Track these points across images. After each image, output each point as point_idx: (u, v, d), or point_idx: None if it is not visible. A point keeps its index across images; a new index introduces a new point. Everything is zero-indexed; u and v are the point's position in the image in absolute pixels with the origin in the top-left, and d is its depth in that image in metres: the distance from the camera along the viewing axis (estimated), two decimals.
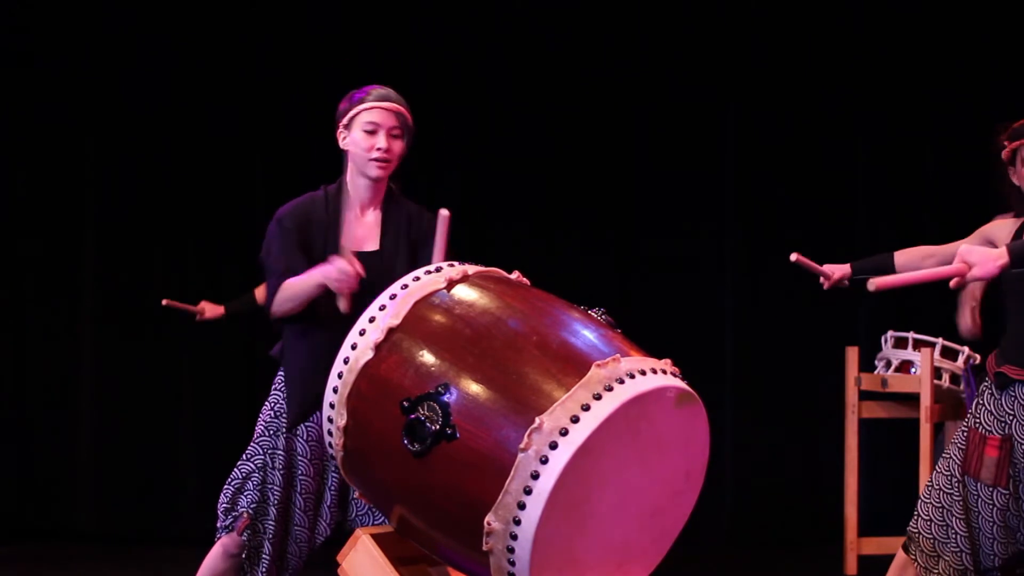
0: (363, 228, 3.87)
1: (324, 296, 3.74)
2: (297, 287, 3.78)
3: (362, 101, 3.84)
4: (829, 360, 6.43)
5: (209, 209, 7.02)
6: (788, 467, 7.19)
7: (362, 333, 3.12)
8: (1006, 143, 4.12)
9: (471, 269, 3.24)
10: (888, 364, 5.95)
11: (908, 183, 7.20)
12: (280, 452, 3.88)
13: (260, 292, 6.12)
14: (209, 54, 6.98)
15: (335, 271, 3.68)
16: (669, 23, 7.16)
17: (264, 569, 3.85)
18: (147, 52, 6.98)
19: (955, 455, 4.12)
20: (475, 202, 7.08)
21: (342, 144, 3.88)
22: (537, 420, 2.84)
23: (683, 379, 3.06)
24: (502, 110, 7.09)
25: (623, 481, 2.96)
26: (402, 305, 3.11)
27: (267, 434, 3.91)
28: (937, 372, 5.75)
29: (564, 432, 2.83)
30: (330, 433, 3.18)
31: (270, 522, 3.87)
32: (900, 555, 4.23)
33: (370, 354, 3.08)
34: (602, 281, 7.03)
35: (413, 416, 2.96)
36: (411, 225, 3.86)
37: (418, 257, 3.79)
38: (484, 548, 2.89)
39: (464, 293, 3.14)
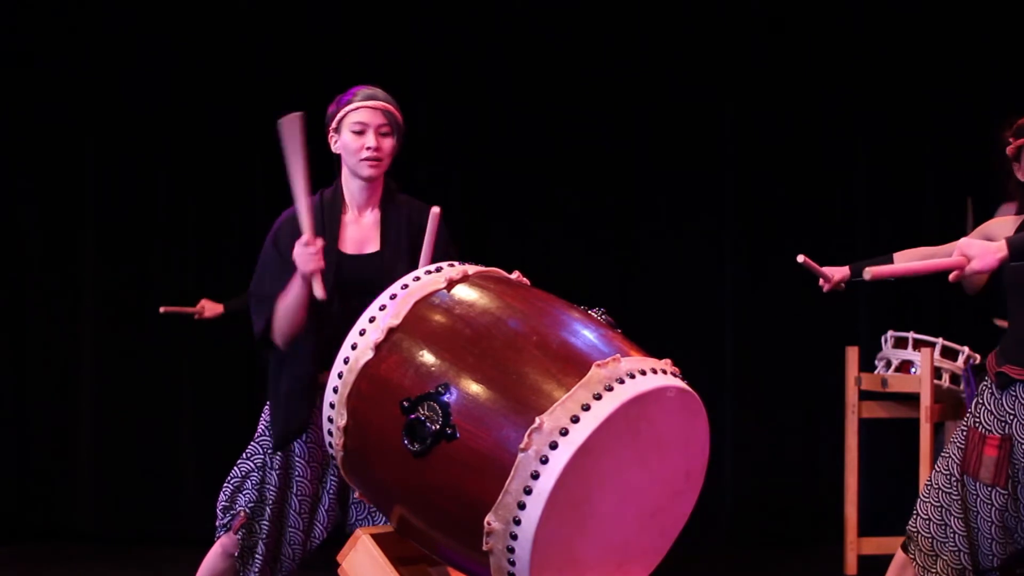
0: (362, 230, 3.87)
1: (308, 317, 3.70)
2: (285, 302, 3.72)
3: (349, 102, 3.84)
4: (829, 360, 6.44)
5: (209, 209, 7.03)
6: (788, 467, 7.19)
7: (362, 333, 3.12)
8: (1011, 139, 4.11)
9: (471, 269, 3.24)
10: (888, 364, 5.95)
11: (908, 183, 7.21)
12: (278, 453, 3.88)
13: None
14: (209, 54, 6.99)
15: (298, 254, 3.63)
16: (669, 23, 7.16)
17: (257, 569, 3.85)
18: (147, 52, 6.98)
19: (954, 454, 4.12)
20: (475, 202, 7.08)
21: (333, 148, 3.88)
22: (537, 420, 2.84)
23: (683, 379, 3.06)
24: (502, 110, 7.09)
25: (623, 481, 2.96)
26: (402, 305, 3.11)
27: (267, 434, 3.91)
28: (937, 372, 5.76)
29: (564, 432, 2.83)
30: (330, 433, 3.18)
31: (264, 522, 3.87)
32: (899, 555, 4.23)
33: (370, 354, 3.08)
34: (602, 281, 7.03)
35: (413, 416, 2.96)
36: (411, 223, 3.85)
37: (420, 255, 3.78)
38: (484, 548, 2.89)
39: (464, 293, 3.14)
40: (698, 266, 7.21)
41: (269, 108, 6.91)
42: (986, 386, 4.10)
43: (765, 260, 7.04)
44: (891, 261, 4.28)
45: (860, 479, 6.11)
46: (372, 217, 3.88)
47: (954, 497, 4.09)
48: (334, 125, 3.85)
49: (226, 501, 3.90)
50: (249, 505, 3.87)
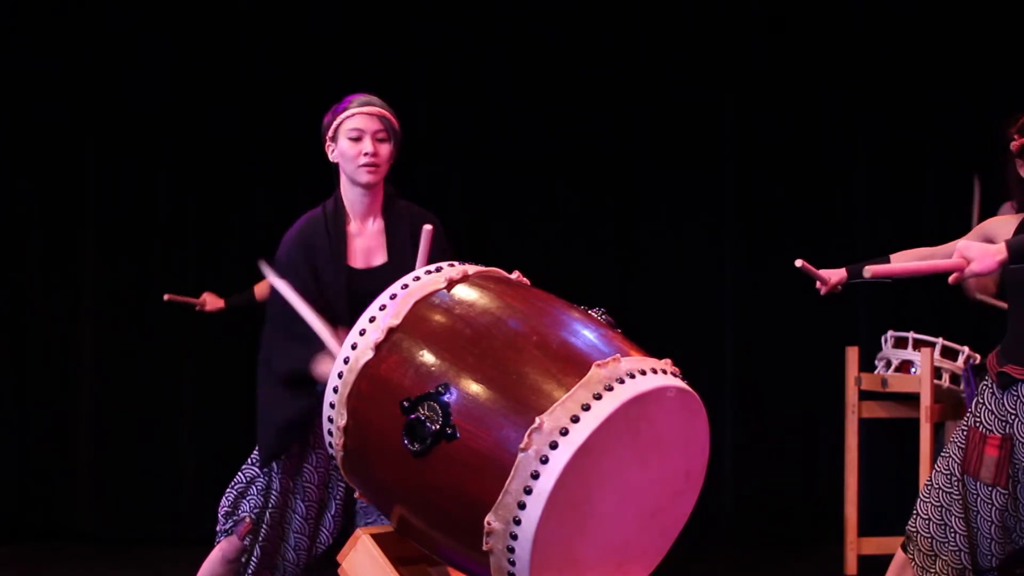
0: (367, 241, 3.85)
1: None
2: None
3: (345, 110, 3.82)
4: (829, 360, 6.44)
5: (209, 209, 7.03)
6: (788, 467, 7.19)
7: (362, 333, 3.12)
8: (1016, 136, 4.09)
9: (471, 269, 3.24)
10: (888, 364, 5.95)
11: (908, 183, 7.21)
12: (284, 458, 3.87)
13: (260, 288, 6.13)
14: (209, 54, 6.99)
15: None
16: (669, 23, 7.16)
17: (251, 572, 3.84)
18: (147, 52, 6.98)
19: (954, 454, 4.12)
20: (475, 202, 7.08)
21: (331, 157, 3.86)
22: (537, 420, 2.84)
23: (683, 379, 3.06)
24: (502, 110, 7.09)
25: (623, 481, 2.96)
26: (402, 305, 3.11)
27: None
28: (937, 372, 5.76)
29: (564, 432, 2.83)
30: (330, 433, 3.18)
31: (264, 527, 3.86)
32: (899, 555, 4.23)
33: (370, 354, 3.08)
34: (602, 281, 7.03)
35: (413, 416, 2.96)
36: (414, 231, 3.83)
37: None
38: (484, 548, 2.89)
39: (464, 293, 3.14)
40: (698, 266, 7.21)
41: (269, 108, 7.00)
42: (986, 386, 4.10)
43: (765, 260, 7.04)
44: (887, 262, 4.27)
45: (860, 479, 6.11)
46: (376, 227, 3.86)
47: (955, 497, 4.09)
48: (330, 134, 3.84)
49: (228, 507, 3.89)
50: (254, 511, 3.86)
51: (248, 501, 3.87)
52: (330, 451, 3.23)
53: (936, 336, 5.83)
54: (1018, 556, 4.11)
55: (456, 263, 3.26)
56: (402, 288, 3.16)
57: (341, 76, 6.82)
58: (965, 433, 4.11)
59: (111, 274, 7.05)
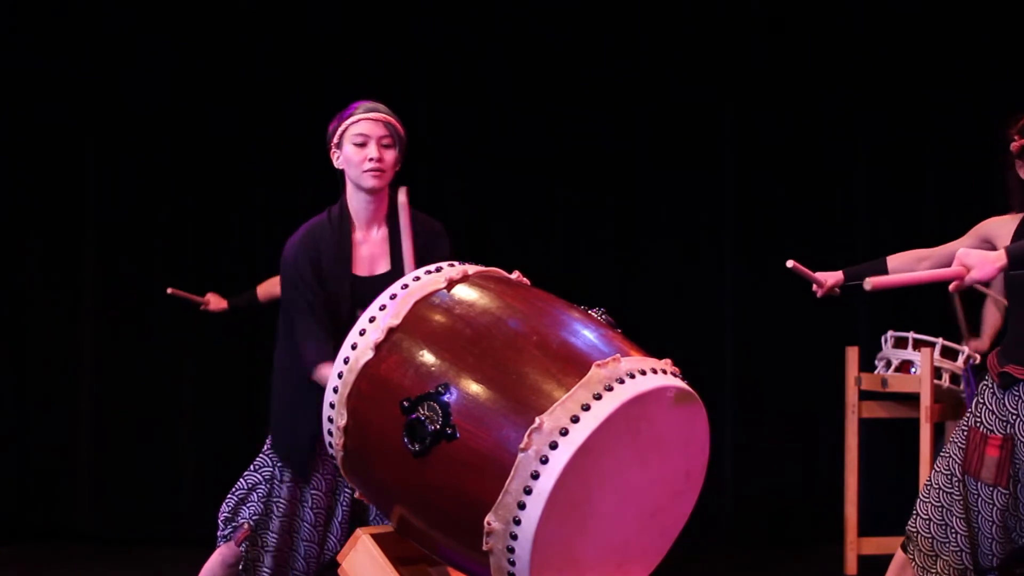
0: (372, 248, 3.84)
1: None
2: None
3: (350, 116, 3.82)
4: (829, 360, 6.44)
5: (209, 209, 7.03)
6: (788, 467, 7.19)
7: (362, 333, 3.12)
8: (1016, 137, 4.09)
9: (471, 269, 3.24)
10: (888, 364, 5.95)
11: (908, 183, 7.21)
12: (291, 464, 3.87)
13: (262, 289, 6.12)
14: (209, 54, 6.99)
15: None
16: (669, 23, 7.16)
17: None
18: (147, 52, 6.98)
19: (955, 454, 4.12)
20: (475, 202, 7.08)
21: (336, 164, 3.85)
22: (537, 420, 2.84)
23: (683, 379, 3.06)
24: (502, 110, 7.09)
25: (623, 481, 2.96)
26: (402, 305, 3.11)
27: None
28: (937, 372, 5.76)
29: (564, 432, 2.83)
30: (330, 433, 3.18)
31: (271, 535, 3.86)
32: (899, 555, 4.23)
33: (370, 354, 3.08)
34: (602, 281, 7.03)
35: (413, 416, 2.96)
36: (418, 237, 3.83)
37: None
38: (484, 548, 2.89)
39: (464, 293, 3.14)
40: (698, 266, 7.21)
41: (269, 108, 6.99)
42: (986, 386, 4.10)
43: (765, 260, 7.02)
44: (884, 265, 4.26)
45: (860, 479, 6.12)
46: (380, 235, 3.85)
47: (955, 497, 4.09)
48: (336, 140, 3.83)
49: (228, 512, 3.89)
50: (254, 518, 3.86)
51: (248, 508, 3.87)
52: (330, 451, 3.23)
53: (936, 336, 5.83)
54: (1018, 555, 4.11)
55: (456, 263, 3.26)
56: (402, 288, 3.16)
57: (341, 76, 6.83)
58: (965, 433, 4.11)
59: (111, 274, 7.04)
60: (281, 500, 3.85)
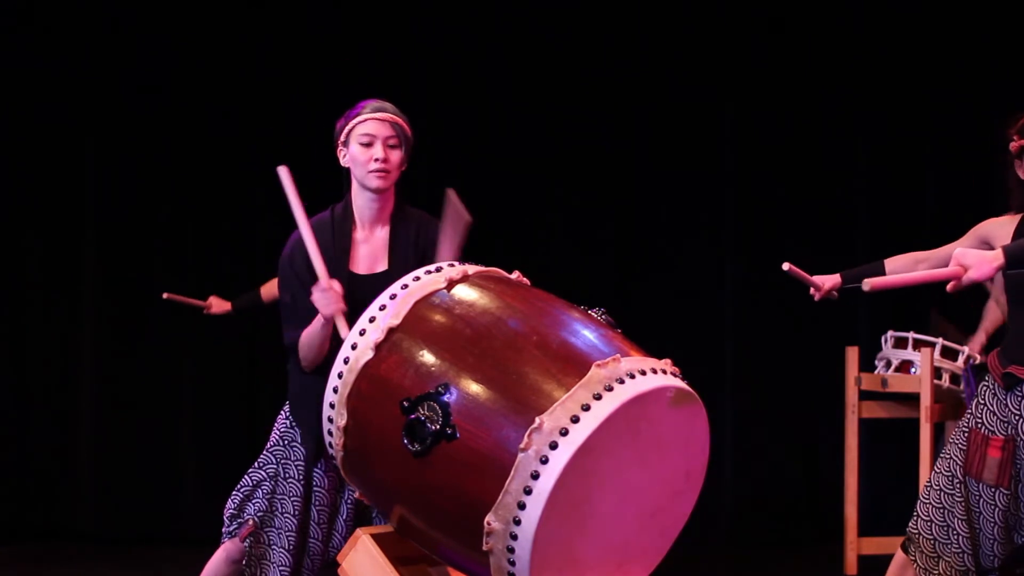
0: (372, 248, 3.84)
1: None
2: (308, 337, 3.73)
3: (358, 115, 3.82)
4: (829, 360, 6.44)
5: (209, 209, 7.03)
6: (788, 467, 7.19)
7: (362, 333, 3.12)
8: (1015, 137, 4.09)
9: (471, 269, 3.24)
10: (888, 364, 5.95)
11: (908, 183, 7.21)
12: (292, 463, 3.87)
13: (264, 290, 6.12)
14: (209, 54, 6.98)
15: (317, 299, 3.65)
16: (669, 23, 7.16)
17: None
18: (147, 52, 6.98)
19: (955, 455, 4.11)
20: (475, 202, 7.06)
21: (342, 162, 3.85)
22: (537, 420, 2.84)
23: (683, 379, 3.06)
24: (502, 110, 7.09)
25: (623, 481, 2.96)
26: (402, 305, 3.12)
27: (281, 444, 3.90)
28: (937, 372, 5.75)
29: (564, 432, 2.83)
30: (330, 433, 3.18)
31: (275, 532, 3.87)
32: (899, 555, 4.22)
33: (370, 354, 3.08)
34: (602, 281, 7.03)
35: (413, 416, 2.96)
36: (420, 238, 3.82)
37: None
38: (484, 548, 2.89)
39: (464, 293, 3.14)
40: (698, 266, 7.21)
41: (269, 108, 6.99)
42: (987, 386, 4.09)
43: (765, 260, 7.02)
44: (882, 268, 4.26)
45: (860, 479, 6.11)
46: (382, 234, 3.85)
47: (957, 498, 4.08)
48: (343, 138, 3.83)
49: (234, 509, 3.90)
50: (258, 514, 3.86)
51: (253, 504, 3.88)
52: (330, 451, 3.23)
53: (936, 336, 5.83)
54: (1018, 555, 4.11)
55: (456, 263, 3.26)
56: (402, 288, 3.17)
57: (341, 76, 6.82)
58: (966, 434, 4.10)
59: (111, 274, 7.04)
60: (292, 498, 3.86)
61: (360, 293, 3.66)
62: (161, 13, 6.99)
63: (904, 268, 4.21)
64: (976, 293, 5.88)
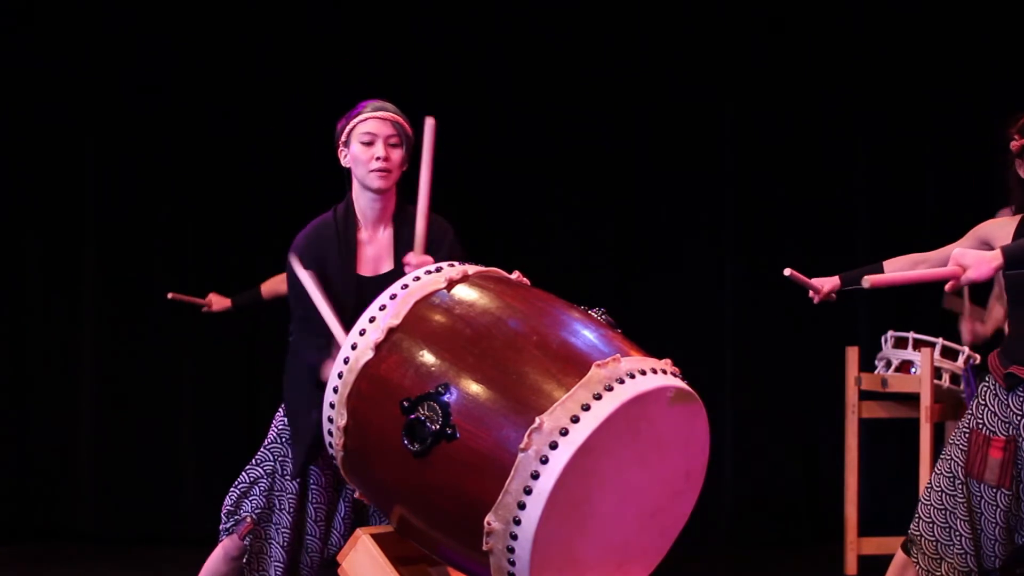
0: (376, 249, 3.84)
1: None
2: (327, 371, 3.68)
3: (359, 114, 3.82)
4: (829, 360, 6.44)
5: (209, 209, 7.02)
6: (788, 467, 7.19)
7: (362, 333, 3.12)
8: (1016, 136, 4.09)
9: (471, 269, 3.24)
10: (888, 364, 5.95)
11: (908, 183, 7.21)
12: (290, 461, 3.87)
13: (266, 286, 6.09)
14: (209, 54, 6.98)
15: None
16: (669, 23, 7.16)
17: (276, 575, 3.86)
18: (147, 52, 6.97)
19: (956, 456, 4.10)
20: (475, 202, 7.07)
21: (344, 162, 3.85)
22: (537, 420, 2.84)
23: (683, 379, 3.06)
24: (502, 110, 7.09)
25: (623, 481, 2.96)
26: (402, 305, 3.12)
27: (279, 441, 3.90)
28: (937, 372, 5.75)
29: (564, 432, 2.83)
30: (330, 433, 3.18)
31: (273, 528, 3.87)
32: (899, 555, 4.22)
33: (370, 354, 3.08)
34: (602, 281, 7.03)
35: (413, 416, 2.96)
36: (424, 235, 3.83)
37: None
38: (484, 548, 2.89)
39: (464, 293, 3.14)
40: (698, 266, 7.21)
41: (269, 108, 6.99)
42: (987, 386, 4.09)
43: (765, 260, 7.03)
44: (881, 269, 4.26)
45: (860, 479, 6.11)
46: (386, 235, 3.85)
47: (959, 499, 4.08)
48: (343, 138, 3.83)
49: (231, 506, 3.90)
50: (256, 511, 3.86)
51: (251, 501, 3.88)
52: (330, 451, 3.23)
53: (936, 336, 5.83)
54: (1019, 555, 4.11)
55: (456, 263, 3.26)
56: (402, 288, 3.17)
57: (341, 76, 6.82)
58: (966, 435, 4.09)
59: (111, 274, 7.04)
60: (289, 495, 3.86)
61: (366, 295, 3.64)
62: (161, 13, 6.99)
63: (903, 269, 4.21)
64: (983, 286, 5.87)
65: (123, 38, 6.98)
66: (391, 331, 3.08)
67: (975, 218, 4.27)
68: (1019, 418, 4.01)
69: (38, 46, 6.98)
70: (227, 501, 3.91)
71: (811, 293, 4.29)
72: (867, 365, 6.07)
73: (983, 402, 4.07)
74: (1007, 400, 4.03)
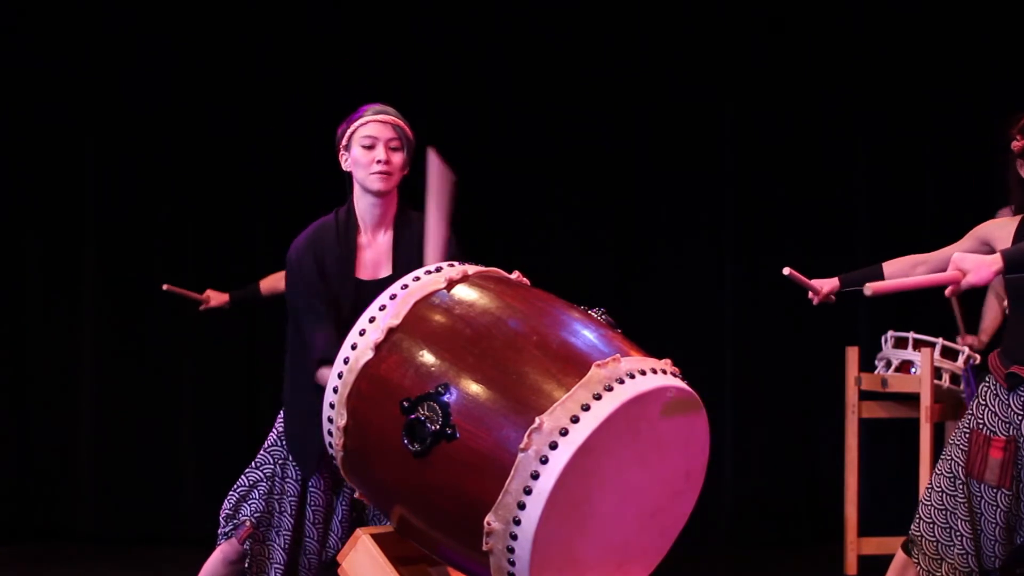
0: (375, 253, 3.84)
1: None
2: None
3: (359, 118, 3.82)
4: (829, 360, 6.44)
5: (209, 209, 7.03)
6: (788, 467, 7.19)
7: (362, 333, 3.12)
8: (1017, 136, 4.09)
9: (471, 269, 3.24)
10: (888, 364, 5.95)
11: (908, 183, 7.21)
12: (290, 463, 3.87)
13: (265, 283, 6.07)
14: (209, 54, 6.98)
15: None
16: (669, 23, 7.16)
17: None
18: (147, 52, 6.98)
19: (956, 456, 4.10)
20: (475, 202, 7.07)
21: (345, 166, 3.85)
22: (537, 420, 2.84)
23: (683, 379, 3.06)
24: (502, 110, 7.09)
25: (623, 481, 2.96)
26: (402, 305, 3.11)
27: (279, 444, 3.90)
28: (937, 372, 5.76)
29: (564, 432, 2.83)
30: (330, 433, 3.18)
31: (273, 531, 3.87)
32: (899, 555, 4.22)
33: (370, 354, 3.08)
34: (602, 281, 7.03)
35: (413, 416, 2.96)
36: (422, 240, 3.83)
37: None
38: (484, 548, 2.89)
39: (464, 293, 3.14)
40: (698, 266, 7.21)
41: (269, 108, 7.00)
42: (987, 386, 4.09)
43: (765, 260, 7.02)
44: (880, 271, 4.26)
45: (860, 479, 6.11)
46: (386, 239, 3.85)
47: (959, 499, 4.07)
48: (344, 142, 3.83)
49: (230, 509, 3.89)
50: (255, 515, 3.86)
51: (250, 505, 3.87)
52: (329, 451, 3.23)
53: (936, 336, 5.83)
54: (1019, 555, 4.11)
55: (456, 263, 3.26)
56: (402, 288, 3.16)
57: (341, 76, 6.82)
58: (967, 435, 4.09)
59: (111, 274, 7.04)
60: (289, 497, 3.86)
61: (365, 299, 3.64)
62: (161, 13, 6.99)
63: (902, 271, 4.21)
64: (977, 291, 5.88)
65: (123, 38, 6.98)
66: (391, 331, 3.08)
67: (975, 218, 4.27)
68: (1020, 418, 4.01)
69: (38, 46, 6.98)
70: (225, 505, 3.90)
71: (810, 294, 4.29)
72: (867, 365, 6.07)
73: (983, 402, 4.07)
74: (1008, 400, 4.03)
